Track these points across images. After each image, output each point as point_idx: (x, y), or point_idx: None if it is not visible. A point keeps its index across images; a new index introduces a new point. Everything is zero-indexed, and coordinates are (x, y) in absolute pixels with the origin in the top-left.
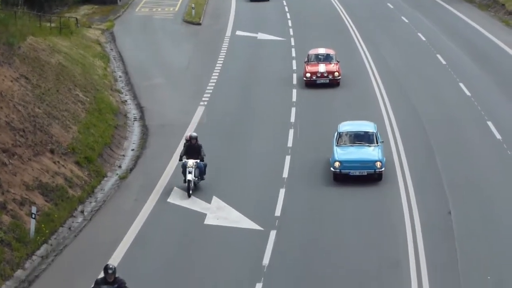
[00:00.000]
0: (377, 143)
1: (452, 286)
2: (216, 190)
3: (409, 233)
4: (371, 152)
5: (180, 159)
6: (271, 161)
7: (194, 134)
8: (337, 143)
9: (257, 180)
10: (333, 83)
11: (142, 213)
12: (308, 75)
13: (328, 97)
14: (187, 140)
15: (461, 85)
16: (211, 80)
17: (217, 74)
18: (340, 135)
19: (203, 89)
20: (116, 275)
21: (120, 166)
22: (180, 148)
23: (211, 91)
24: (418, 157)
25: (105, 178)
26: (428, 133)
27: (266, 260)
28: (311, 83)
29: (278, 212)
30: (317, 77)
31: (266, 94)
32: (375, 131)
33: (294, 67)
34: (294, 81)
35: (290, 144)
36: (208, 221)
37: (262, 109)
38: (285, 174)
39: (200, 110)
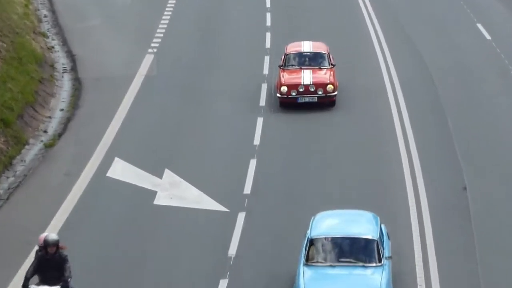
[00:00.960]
0: (379, 261)
1: (468, 276)
2: (168, 161)
3: (414, 215)
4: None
5: (25, 284)
6: (239, 124)
7: (53, 237)
8: (306, 260)
9: (222, 149)
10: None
11: (74, 191)
12: (284, 89)
13: None
14: (40, 248)
15: (479, 26)
16: (162, 21)
17: (170, 12)
18: (312, 242)
19: (152, 32)
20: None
21: (45, 131)
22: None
23: (162, 34)
24: (426, 119)
25: (27, 146)
26: (438, 89)
27: (232, 250)
28: (289, 103)
29: (247, 190)
30: (298, 92)
31: (233, 37)
32: (376, 237)
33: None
34: (268, 22)
35: (262, 103)
36: (159, 201)
37: (228, 57)
38: (257, 141)
39: (148, 59)
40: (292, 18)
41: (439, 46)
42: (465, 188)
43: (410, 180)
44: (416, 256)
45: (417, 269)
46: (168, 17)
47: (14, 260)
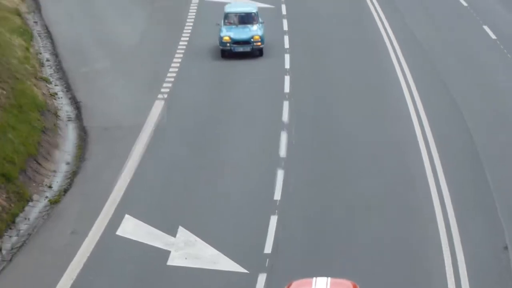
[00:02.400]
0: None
1: None
2: (182, 218)
3: (450, 276)
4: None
5: None
6: (257, 177)
7: None
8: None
9: (239, 204)
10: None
11: (82, 251)
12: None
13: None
14: None
15: None
16: (172, 64)
17: (181, 55)
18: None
19: (162, 76)
20: None
21: (50, 186)
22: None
23: (172, 79)
24: (459, 167)
25: (30, 203)
26: (473, 134)
27: None
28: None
29: (268, 249)
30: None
31: (249, 82)
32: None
33: (286, 45)
34: (286, 65)
35: (283, 153)
36: (173, 261)
37: (244, 103)
38: (277, 195)
39: (158, 106)
40: (313, 60)
41: (472, 85)
42: (506, 248)
43: (446, 240)
44: None
45: None
46: (180, 59)
47: None
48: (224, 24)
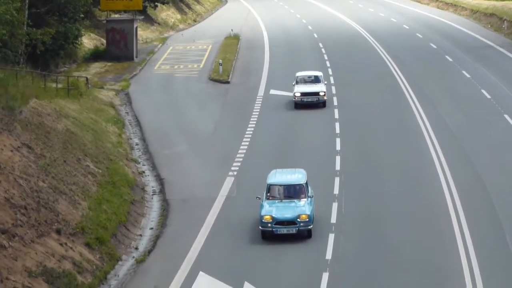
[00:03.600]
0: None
1: None
2: (248, 273)
3: None
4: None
5: None
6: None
7: None
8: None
9: (293, 261)
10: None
11: None
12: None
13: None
14: None
15: None
16: (241, 147)
17: (248, 139)
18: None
19: (232, 157)
20: None
21: (137, 248)
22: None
23: (241, 159)
24: (484, 234)
25: (120, 262)
26: (498, 210)
27: None
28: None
29: None
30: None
31: (306, 163)
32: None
33: (337, 130)
34: (337, 147)
35: (333, 219)
36: None
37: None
38: (328, 255)
39: (229, 182)
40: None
41: (495, 167)
42: None
43: None
44: None
45: None
46: (247, 142)
47: None
48: (266, 198)
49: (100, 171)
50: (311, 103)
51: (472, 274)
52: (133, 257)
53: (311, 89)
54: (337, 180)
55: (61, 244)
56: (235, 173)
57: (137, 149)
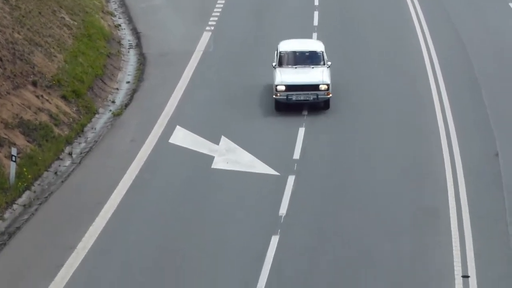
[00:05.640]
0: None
1: (498, 238)
2: (225, 128)
3: (450, 179)
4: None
5: None
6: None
7: None
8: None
9: (274, 118)
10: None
11: (140, 155)
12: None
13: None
14: None
15: None
16: (218, 1)
17: None
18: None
19: (209, 11)
20: None
21: (113, 101)
22: (185, 78)
23: (218, 13)
24: (461, 92)
25: (97, 115)
26: (475, 66)
27: (283, 210)
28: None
29: (297, 155)
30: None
31: (285, 16)
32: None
33: None
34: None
35: None
36: (216, 165)
37: (280, 34)
38: (305, 112)
39: (206, 36)
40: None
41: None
42: (497, 155)
43: (447, 149)
44: (451, 216)
45: (451, 228)
46: None
47: (85, 218)
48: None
49: (76, 23)
50: (304, 103)
51: (448, 134)
52: (110, 110)
53: (306, 78)
54: (314, 35)
55: (37, 96)
56: (212, 28)
57: (113, 2)
